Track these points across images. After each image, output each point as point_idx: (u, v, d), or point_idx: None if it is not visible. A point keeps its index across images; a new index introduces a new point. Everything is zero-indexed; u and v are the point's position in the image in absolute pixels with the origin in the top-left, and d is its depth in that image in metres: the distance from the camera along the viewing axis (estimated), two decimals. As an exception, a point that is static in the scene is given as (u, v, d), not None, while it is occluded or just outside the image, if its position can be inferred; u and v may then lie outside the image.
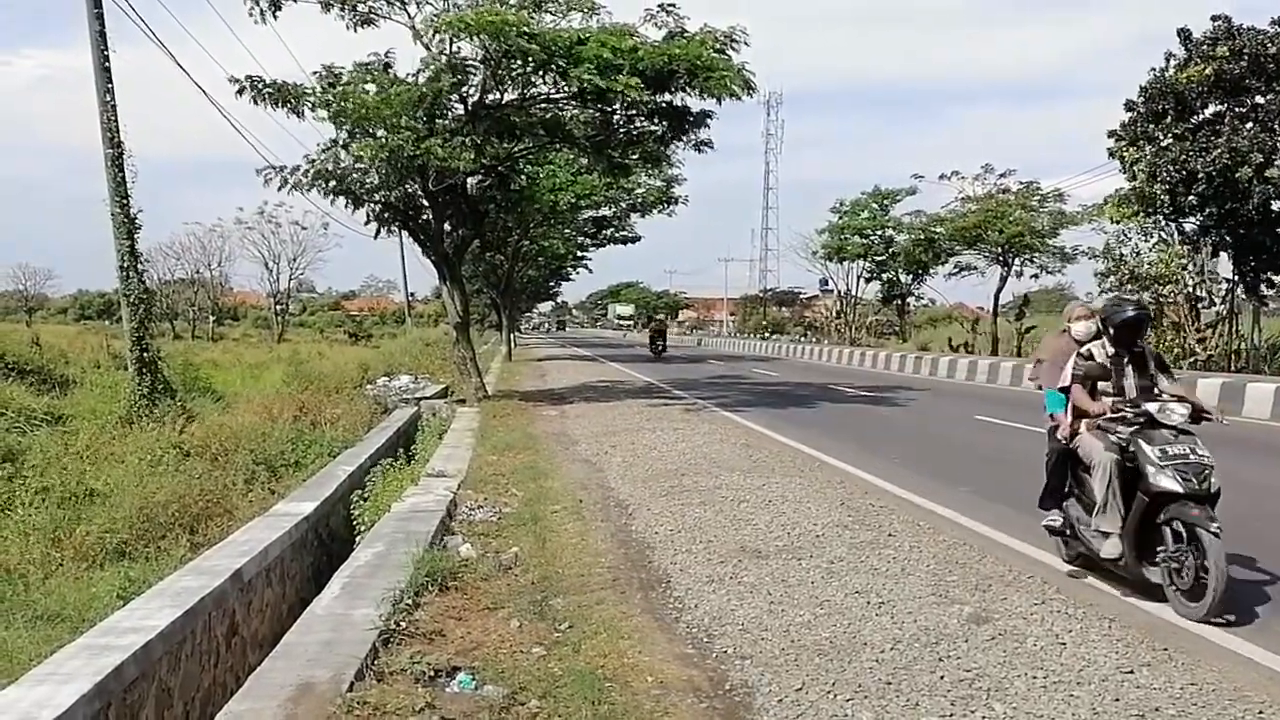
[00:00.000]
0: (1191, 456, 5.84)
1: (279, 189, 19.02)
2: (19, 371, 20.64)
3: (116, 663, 5.22)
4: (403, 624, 5.57)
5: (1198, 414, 6.20)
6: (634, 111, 18.93)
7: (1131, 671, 4.96)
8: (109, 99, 18.22)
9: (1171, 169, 23.36)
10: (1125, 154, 25.18)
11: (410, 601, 5.96)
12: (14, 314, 74.18)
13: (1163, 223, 26.14)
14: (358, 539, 9.10)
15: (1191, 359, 24.10)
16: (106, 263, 26.38)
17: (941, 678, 4.90)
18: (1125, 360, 6.46)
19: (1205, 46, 23.79)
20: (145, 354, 18.54)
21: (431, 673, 4.87)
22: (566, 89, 18.20)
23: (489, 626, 5.74)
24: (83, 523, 11.18)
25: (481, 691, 4.74)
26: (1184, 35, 24.47)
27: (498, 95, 19.07)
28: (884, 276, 47.77)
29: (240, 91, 18.22)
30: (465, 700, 4.63)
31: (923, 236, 43.04)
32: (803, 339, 57.96)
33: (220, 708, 4.73)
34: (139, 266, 19.03)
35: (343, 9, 18.16)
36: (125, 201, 18.42)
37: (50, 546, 10.51)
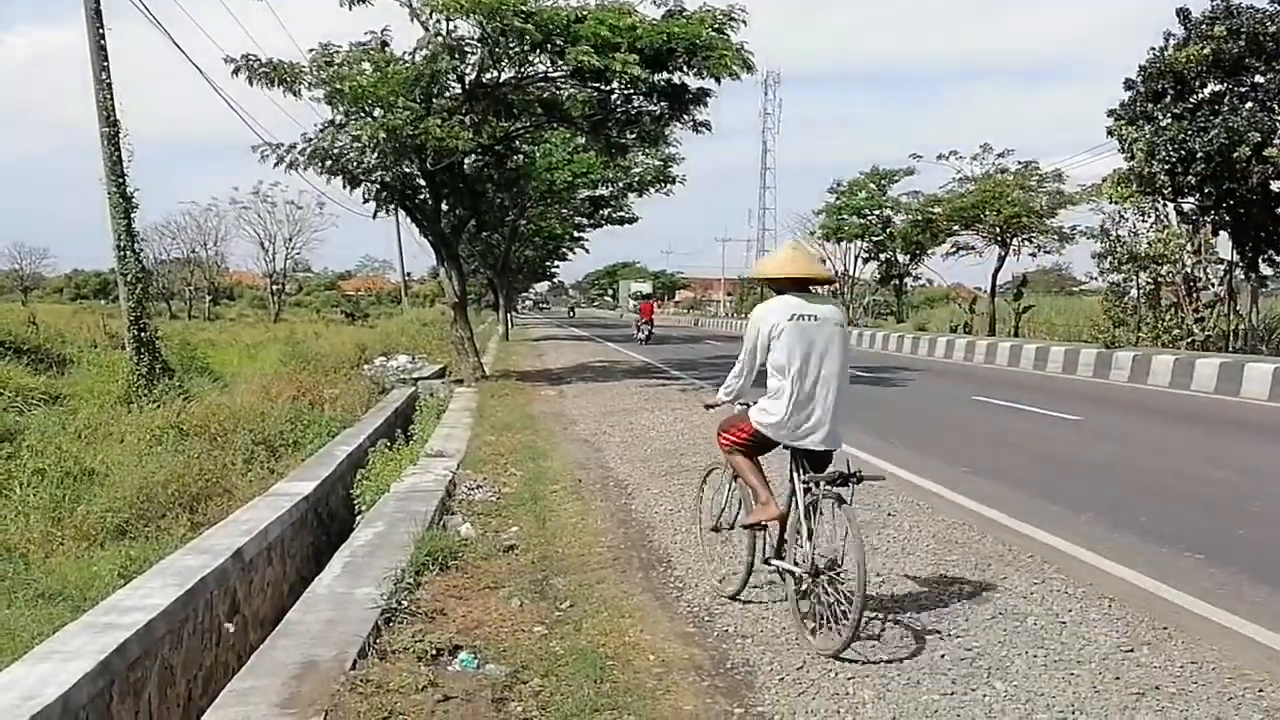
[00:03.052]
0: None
1: (274, 166, 18.96)
2: (16, 351, 20.59)
3: (119, 641, 5.24)
4: (404, 603, 5.58)
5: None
6: (632, 90, 18.83)
7: (1132, 650, 4.98)
8: (105, 77, 18.12)
9: (1170, 148, 23.32)
10: (1124, 133, 25.11)
11: (411, 581, 5.97)
12: (9, 293, 73.94)
13: (1161, 202, 26.09)
14: (357, 518, 9.10)
15: (1189, 339, 24.09)
16: (102, 242, 26.30)
17: (942, 656, 4.92)
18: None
19: (1204, 26, 23.71)
20: (143, 333, 18.52)
21: (434, 651, 4.88)
22: (564, 68, 18.11)
23: (490, 606, 5.76)
24: (83, 502, 11.17)
25: (483, 670, 4.76)
26: (1183, 14, 24.39)
27: (495, 74, 18.97)
28: (881, 257, 47.64)
29: (236, 71, 18.10)
30: (467, 679, 4.64)
31: (920, 217, 42.92)
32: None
33: (222, 686, 4.75)
34: (136, 246, 18.96)
35: (338, -15, 17.99)
36: (122, 180, 18.35)
37: (51, 525, 10.50)
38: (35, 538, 10.14)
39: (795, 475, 5.15)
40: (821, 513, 5.01)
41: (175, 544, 8.96)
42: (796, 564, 5.07)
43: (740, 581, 5.76)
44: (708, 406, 5.99)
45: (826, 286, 5.75)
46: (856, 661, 4.83)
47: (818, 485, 4.97)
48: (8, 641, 6.96)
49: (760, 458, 5.40)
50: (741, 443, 5.35)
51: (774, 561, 5.36)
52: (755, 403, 5.32)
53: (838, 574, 4.87)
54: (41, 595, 8.48)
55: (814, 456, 5.14)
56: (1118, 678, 4.64)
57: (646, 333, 37.80)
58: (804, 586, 5.07)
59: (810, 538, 4.97)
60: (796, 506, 5.11)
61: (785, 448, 5.18)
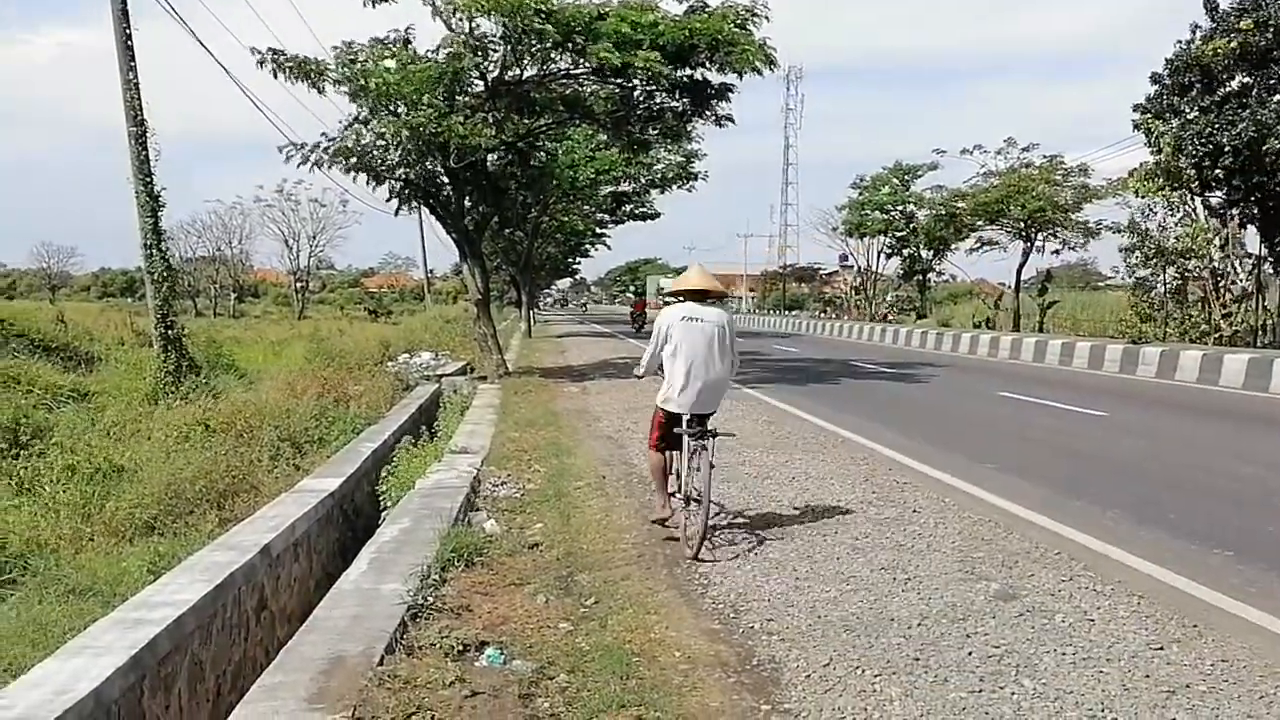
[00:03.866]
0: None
1: (300, 165, 19.05)
2: (45, 349, 20.81)
3: (150, 636, 5.28)
4: (430, 599, 5.61)
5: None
6: (654, 86, 18.82)
7: (1162, 648, 4.94)
8: (132, 76, 18.26)
9: (1197, 142, 23.11)
10: (1151, 127, 24.91)
11: (437, 577, 5.99)
12: (38, 291, 74.77)
13: (1188, 197, 25.86)
14: (383, 515, 9.14)
15: (1217, 334, 23.87)
16: (129, 240, 26.57)
17: (970, 654, 4.90)
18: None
19: (1231, 19, 23.48)
20: (170, 331, 18.71)
21: (460, 647, 4.90)
22: (586, 65, 18.11)
23: (515, 602, 5.77)
24: (112, 498, 11.25)
25: (510, 666, 4.77)
26: (1210, 7, 24.16)
27: (518, 72, 18.99)
28: (905, 252, 47.37)
29: (261, 64, 18.20)
30: (494, 675, 4.66)
31: (944, 212, 42.67)
32: (822, 315, 57.67)
33: (251, 681, 4.77)
34: (163, 244, 19.13)
35: (360, -17, 18.05)
36: (149, 179, 18.52)
37: (80, 522, 10.59)
38: (65, 534, 10.24)
39: (684, 433, 6.89)
40: (694, 458, 6.87)
41: (204, 540, 9.03)
42: (685, 495, 6.96)
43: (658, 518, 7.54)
44: (637, 376, 7.64)
45: (720, 298, 7.72)
46: (880, 659, 4.83)
47: (698, 438, 6.83)
48: (40, 637, 7.03)
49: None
50: (660, 436, 7.19)
51: (677, 496, 7.16)
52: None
53: (700, 500, 6.75)
54: (72, 591, 8.56)
55: (698, 418, 6.93)
56: (1147, 676, 4.61)
57: (640, 324, 44.90)
58: (685, 509, 6.98)
59: (688, 475, 6.93)
60: (684, 454, 6.95)
61: (678, 413, 6.91)
